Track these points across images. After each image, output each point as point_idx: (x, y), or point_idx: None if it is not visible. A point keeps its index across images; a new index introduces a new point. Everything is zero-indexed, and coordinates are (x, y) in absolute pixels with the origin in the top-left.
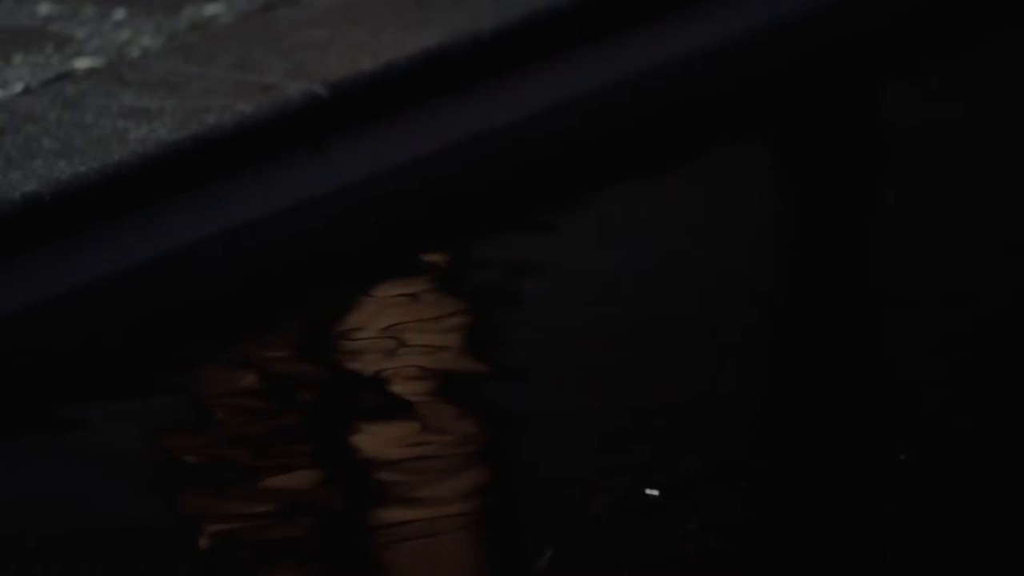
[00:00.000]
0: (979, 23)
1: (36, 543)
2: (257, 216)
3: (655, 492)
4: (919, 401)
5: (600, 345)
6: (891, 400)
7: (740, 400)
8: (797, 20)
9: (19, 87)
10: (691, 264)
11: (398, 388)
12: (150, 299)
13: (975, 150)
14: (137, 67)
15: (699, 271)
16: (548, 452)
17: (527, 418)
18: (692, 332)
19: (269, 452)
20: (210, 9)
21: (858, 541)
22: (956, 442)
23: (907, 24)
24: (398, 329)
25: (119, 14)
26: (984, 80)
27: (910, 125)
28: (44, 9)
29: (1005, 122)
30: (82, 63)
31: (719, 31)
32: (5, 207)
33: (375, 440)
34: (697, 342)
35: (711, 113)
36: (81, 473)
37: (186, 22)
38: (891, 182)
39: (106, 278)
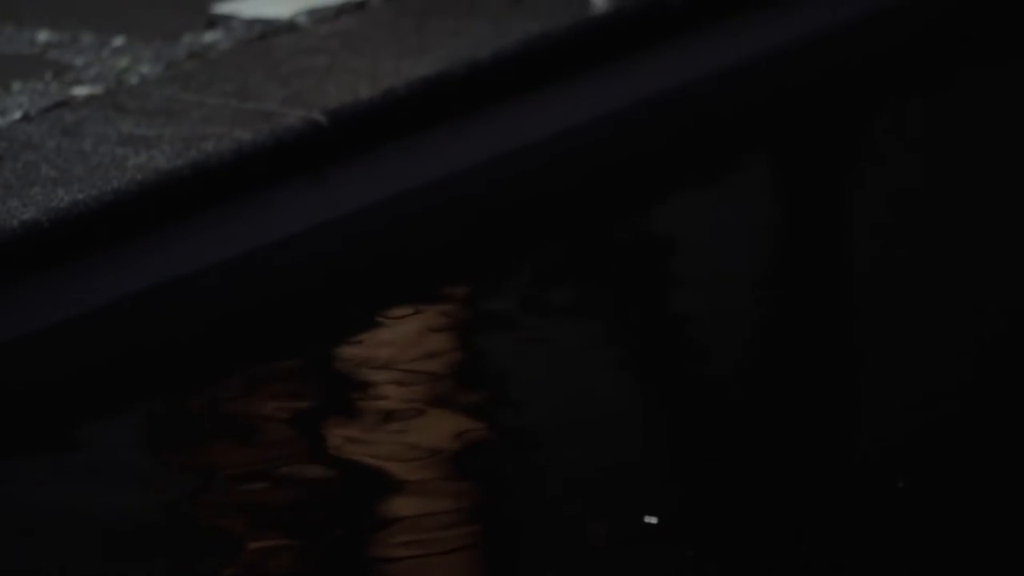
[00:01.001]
0: (988, 49)
1: None
2: (256, 244)
3: (653, 519)
4: (918, 429)
5: (595, 386)
6: (889, 428)
7: (737, 433)
8: (789, 50)
9: (18, 114)
10: (683, 303)
11: (396, 421)
12: (149, 328)
13: (978, 170)
14: (136, 94)
15: (691, 308)
16: (545, 484)
17: (524, 453)
18: (686, 366)
19: (264, 485)
20: (208, 37)
21: (857, 569)
22: (954, 470)
23: (914, 50)
24: (396, 362)
25: (118, 41)
26: (988, 104)
27: (914, 148)
28: (43, 36)
29: (1006, 148)
30: (81, 90)
31: (722, 56)
32: (4, 235)
33: (373, 472)
34: (690, 375)
35: (716, 139)
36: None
37: (185, 50)
38: (898, 203)
39: (104, 307)
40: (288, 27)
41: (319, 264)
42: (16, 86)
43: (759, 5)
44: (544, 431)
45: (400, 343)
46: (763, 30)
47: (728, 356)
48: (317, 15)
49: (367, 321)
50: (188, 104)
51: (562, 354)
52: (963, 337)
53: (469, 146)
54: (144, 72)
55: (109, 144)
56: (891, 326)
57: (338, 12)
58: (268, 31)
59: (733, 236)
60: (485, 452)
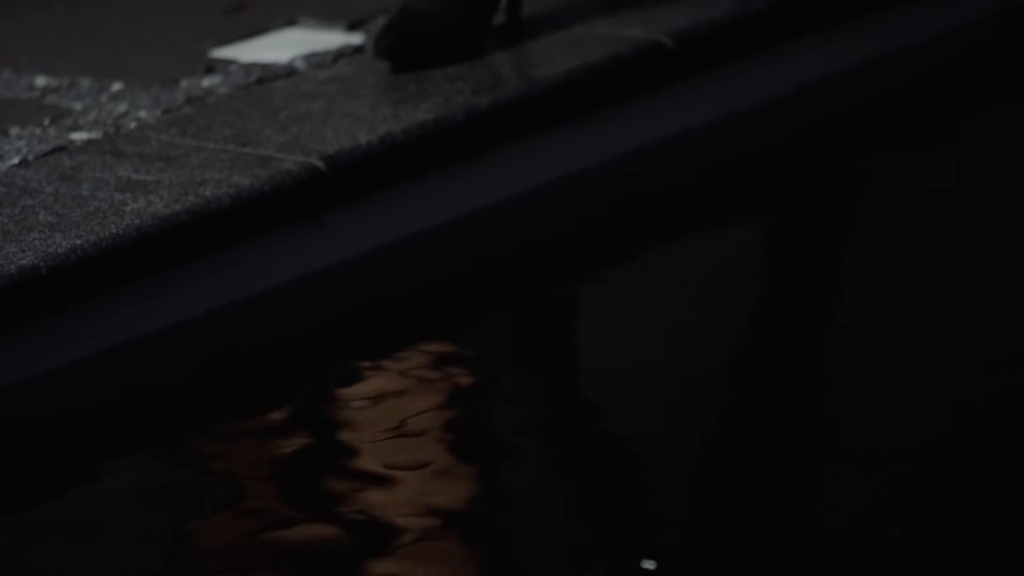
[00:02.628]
0: (976, 101)
1: None
2: (255, 290)
3: (651, 564)
4: (915, 476)
5: (585, 435)
6: (886, 475)
7: (734, 477)
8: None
9: (16, 159)
10: (677, 351)
11: (391, 470)
12: (148, 373)
13: (974, 221)
14: (134, 140)
15: (687, 354)
16: (543, 528)
17: (520, 499)
18: (680, 411)
19: (260, 538)
20: (207, 82)
21: None
22: (951, 518)
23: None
24: (391, 413)
25: (116, 86)
26: (979, 154)
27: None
28: (41, 81)
29: (1002, 196)
30: (79, 135)
31: (716, 109)
32: (2, 281)
33: (365, 525)
34: (685, 419)
35: (711, 191)
36: None
37: (183, 95)
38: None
39: (104, 352)
40: (286, 72)
41: (317, 309)
42: (14, 131)
43: (757, 51)
44: (535, 482)
45: (396, 391)
46: (762, 76)
47: (717, 408)
48: (315, 60)
49: (365, 367)
50: (186, 149)
51: (557, 407)
52: (962, 386)
53: (467, 192)
54: (142, 117)
55: (107, 189)
56: (886, 373)
57: (336, 57)
58: (266, 76)
59: (718, 296)
60: (475, 504)
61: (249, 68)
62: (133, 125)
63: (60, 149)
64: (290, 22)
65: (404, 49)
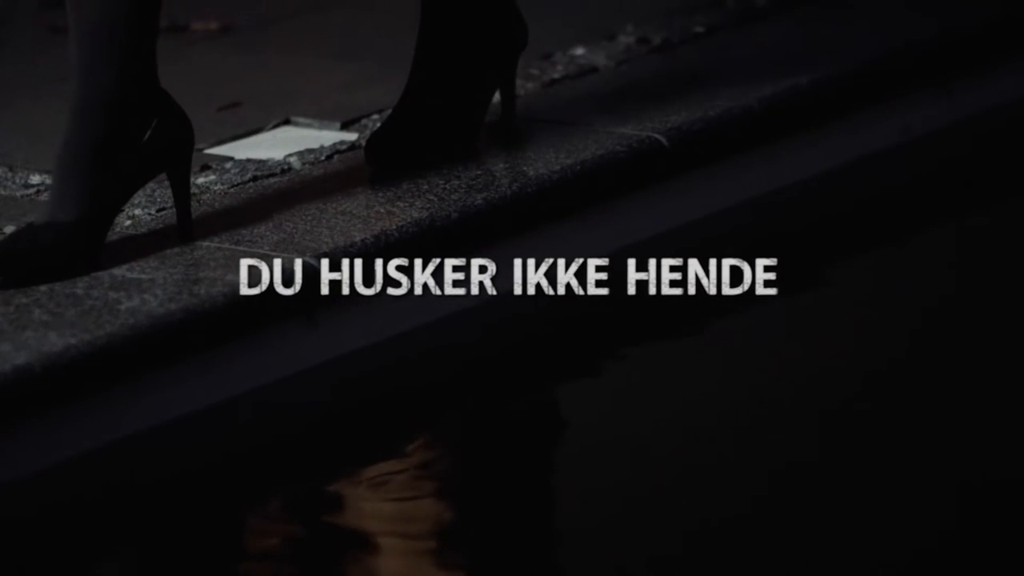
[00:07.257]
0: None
1: None
2: (248, 388)
3: None
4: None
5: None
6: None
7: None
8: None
9: None
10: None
11: (389, 567)
12: (141, 472)
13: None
14: (127, 237)
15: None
16: None
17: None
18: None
19: None
20: (202, 179)
21: None
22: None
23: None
24: (391, 508)
25: None
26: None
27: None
28: (36, 179)
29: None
30: None
31: (712, 205)
32: None
33: None
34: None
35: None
36: None
37: None
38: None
39: (98, 451)
40: (281, 170)
41: (313, 405)
42: (8, 229)
43: (753, 148)
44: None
45: (390, 488)
46: (758, 173)
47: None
48: (309, 158)
49: (362, 462)
50: (180, 248)
51: (546, 500)
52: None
53: (461, 289)
54: (137, 215)
55: (102, 288)
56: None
57: (330, 155)
58: (261, 174)
59: (726, 381)
60: None
61: (244, 166)
62: (128, 223)
63: None
64: (285, 121)
65: (396, 155)
